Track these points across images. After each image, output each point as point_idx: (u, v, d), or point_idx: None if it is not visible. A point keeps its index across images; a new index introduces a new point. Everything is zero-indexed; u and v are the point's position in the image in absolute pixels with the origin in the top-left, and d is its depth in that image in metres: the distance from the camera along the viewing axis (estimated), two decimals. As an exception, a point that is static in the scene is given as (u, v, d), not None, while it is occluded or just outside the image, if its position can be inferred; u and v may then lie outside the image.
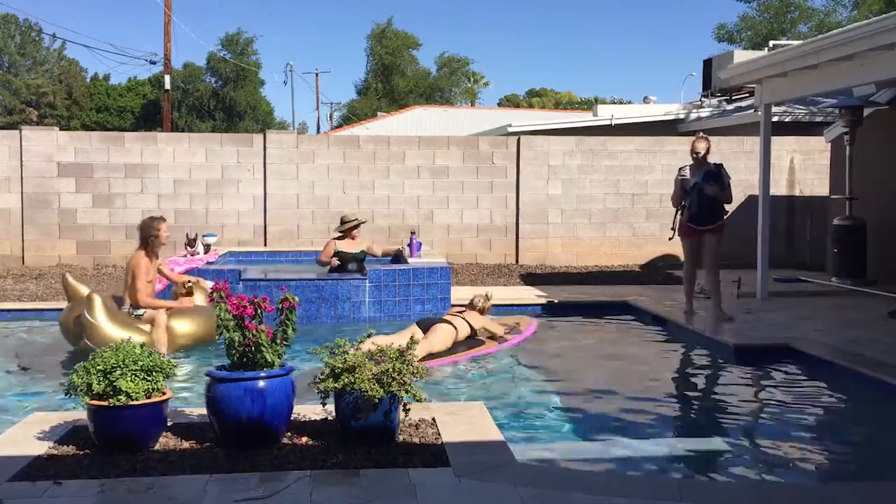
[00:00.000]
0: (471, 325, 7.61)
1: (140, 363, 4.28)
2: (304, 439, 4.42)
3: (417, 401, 4.45)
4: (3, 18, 49.33)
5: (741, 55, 17.40)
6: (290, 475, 3.93)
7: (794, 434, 5.35)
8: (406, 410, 4.43)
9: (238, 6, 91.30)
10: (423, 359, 6.70)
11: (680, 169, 8.90)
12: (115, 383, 4.17)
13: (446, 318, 7.63)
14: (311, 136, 21.61)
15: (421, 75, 60.07)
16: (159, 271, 7.92)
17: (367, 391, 4.22)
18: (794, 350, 7.24)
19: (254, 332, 4.41)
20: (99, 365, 4.24)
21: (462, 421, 4.77)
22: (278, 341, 4.51)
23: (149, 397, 4.25)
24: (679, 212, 8.82)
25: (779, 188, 14.04)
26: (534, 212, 14.00)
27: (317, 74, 55.67)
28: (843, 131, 11.70)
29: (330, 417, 4.59)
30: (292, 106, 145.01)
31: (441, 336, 7.24)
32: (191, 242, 10.01)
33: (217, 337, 4.54)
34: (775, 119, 14.60)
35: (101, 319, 6.94)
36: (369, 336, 4.99)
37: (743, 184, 14.23)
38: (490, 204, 13.96)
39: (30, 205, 13.13)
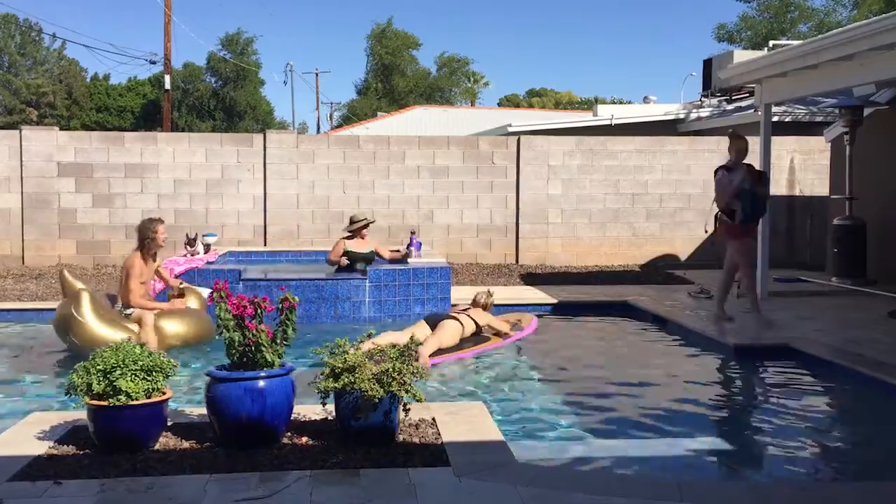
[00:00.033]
0: (476, 322, 7.79)
1: (140, 363, 4.28)
2: (304, 439, 4.42)
3: (417, 401, 4.45)
4: (3, 18, 49.36)
5: (741, 55, 17.40)
6: (290, 475, 3.93)
7: (794, 434, 5.35)
8: (406, 410, 4.43)
9: (238, 6, 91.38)
10: (433, 353, 6.97)
11: (722, 169, 8.58)
12: (115, 383, 4.17)
13: (452, 314, 7.79)
14: (311, 136, 21.61)
15: (421, 75, 60.07)
16: (157, 273, 7.91)
17: (367, 391, 4.22)
18: (794, 350, 7.25)
19: (254, 331, 4.41)
20: (99, 365, 4.24)
21: (462, 421, 4.77)
22: (278, 341, 4.51)
23: (149, 397, 4.25)
24: (723, 213, 8.51)
25: (779, 188, 14.04)
26: (534, 212, 14.00)
27: (317, 74, 55.69)
28: (843, 131, 11.71)
29: (330, 417, 4.60)
30: (292, 106, 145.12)
31: (449, 331, 7.42)
32: (191, 242, 10.01)
33: (217, 336, 4.53)
34: (775, 119, 14.60)
35: (88, 317, 6.97)
36: (369, 336, 4.99)
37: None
38: (490, 204, 13.96)
39: (30, 205, 13.13)
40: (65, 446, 4.31)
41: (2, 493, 3.71)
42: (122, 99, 53.56)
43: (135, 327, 7.22)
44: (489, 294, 8.23)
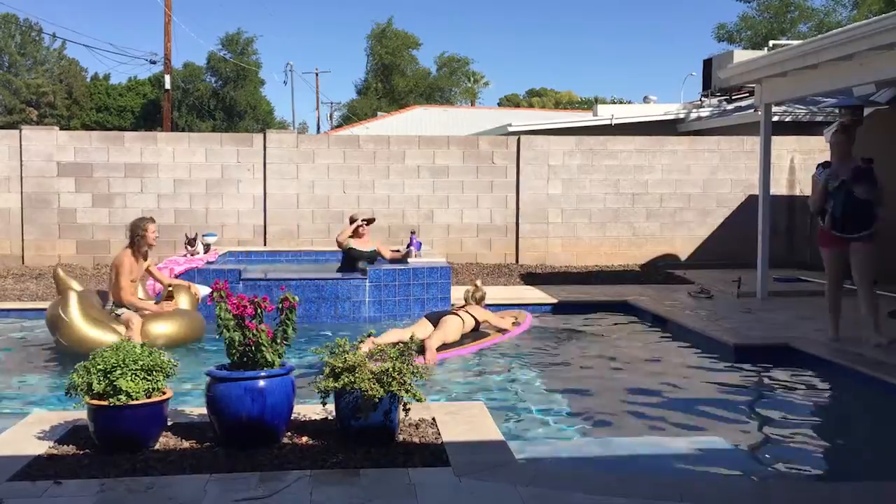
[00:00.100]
0: (475, 318, 7.95)
1: (140, 362, 4.28)
2: (304, 439, 4.42)
3: (417, 400, 4.45)
4: (3, 18, 49.36)
5: (741, 55, 17.37)
6: (290, 475, 3.93)
7: (793, 434, 5.35)
8: (406, 410, 4.43)
9: (238, 6, 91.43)
10: (438, 349, 7.15)
11: (819, 167, 7.69)
12: (115, 383, 4.17)
13: (453, 311, 7.94)
14: (311, 135, 21.60)
15: (421, 75, 60.07)
16: (149, 272, 7.96)
17: (367, 391, 4.22)
18: (794, 350, 7.25)
19: (254, 331, 4.41)
20: (99, 364, 4.24)
21: (462, 420, 4.77)
22: (278, 341, 4.51)
23: (149, 397, 4.25)
24: (821, 217, 7.53)
25: (779, 188, 14.04)
26: (534, 211, 14.00)
27: (317, 74, 55.70)
28: (844, 131, 11.68)
29: (330, 417, 4.60)
30: (292, 106, 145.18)
31: (453, 327, 7.58)
32: (191, 242, 10.02)
33: (217, 336, 4.53)
34: (775, 119, 14.59)
35: (74, 317, 6.99)
36: (369, 336, 5.00)
37: (743, 183, 14.25)
38: (490, 204, 13.96)
39: (30, 204, 13.13)
40: (65, 446, 4.31)
41: (2, 493, 3.71)
42: (122, 99, 53.57)
43: (122, 329, 7.24)
44: (477, 288, 8.39)
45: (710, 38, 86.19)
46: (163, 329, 7.50)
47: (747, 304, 9.69)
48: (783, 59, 9.36)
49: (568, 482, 4.02)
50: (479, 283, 8.58)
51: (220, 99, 52.93)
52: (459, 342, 7.58)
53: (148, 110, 52.17)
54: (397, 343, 4.74)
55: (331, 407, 4.48)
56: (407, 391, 4.35)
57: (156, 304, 7.94)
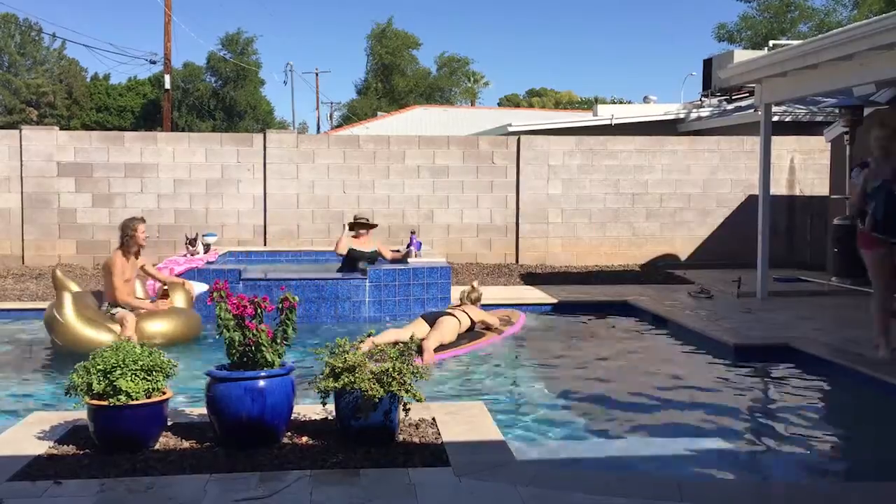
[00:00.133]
0: (471, 318, 7.98)
1: (140, 363, 4.28)
2: (304, 439, 4.42)
3: (417, 400, 4.45)
4: (3, 18, 49.35)
5: (741, 55, 17.38)
6: (290, 475, 3.93)
7: (793, 434, 5.35)
8: (406, 410, 4.43)
9: (238, 6, 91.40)
10: (435, 350, 7.17)
11: (855, 168, 7.27)
12: (115, 383, 4.17)
13: (449, 311, 7.97)
14: (311, 135, 21.61)
15: (421, 75, 60.06)
16: (145, 271, 7.99)
17: (367, 391, 4.22)
18: (794, 350, 7.25)
19: (254, 331, 4.41)
20: (99, 364, 4.24)
21: (462, 420, 4.77)
22: (278, 341, 4.51)
23: (149, 397, 4.25)
24: (860, 219, 7.04)
25: (779, 188, 14.04)
26: (534, 211, 14.00)
27: (317, 74, 55.67)
28: (844, 131, 11.70)
29: (330, 417, 4.60)
30: (292, 106, 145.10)
31: (449, 327, 7.60)
32: (191, 242, 10.02)
33: (217, 335, 4.54)
34: (775, 119, 14.60)
35: (69, 318, 7.02)
36: (369, 336, 5.00)
37: (743, 183, 14.25)
38: (490, 204, 13.96)
39: (30, 204, 13.12)
40: (65, 446, 4.31)
41: (2, 493, 3.71)
42: (122, 99, 53.57)
43: (117, 328, 7.25)
44: (473, 289, 8.44)
45: (711, 38, 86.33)
46: (159, 327, 7.52)
47: (747, 304, 9.68)
48: (783, 59, 9.36)
49: (568, 482, 4.02)
50: (476, 283, 8.60)
51: (220, 99, 52.93)
52: (456, 342, 7.59)
53: (148, 110, 52.17)
54: (396, 343, 4.74)
55: (331, 407, 4.48)
56: (407, 391, 4.35)
57: (151, 302, 7.96)
